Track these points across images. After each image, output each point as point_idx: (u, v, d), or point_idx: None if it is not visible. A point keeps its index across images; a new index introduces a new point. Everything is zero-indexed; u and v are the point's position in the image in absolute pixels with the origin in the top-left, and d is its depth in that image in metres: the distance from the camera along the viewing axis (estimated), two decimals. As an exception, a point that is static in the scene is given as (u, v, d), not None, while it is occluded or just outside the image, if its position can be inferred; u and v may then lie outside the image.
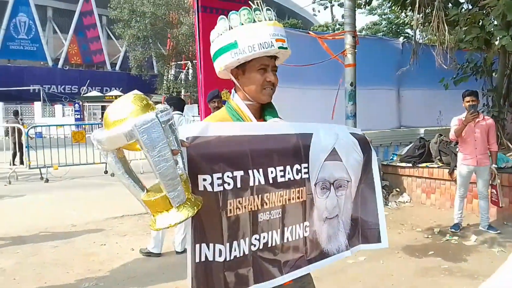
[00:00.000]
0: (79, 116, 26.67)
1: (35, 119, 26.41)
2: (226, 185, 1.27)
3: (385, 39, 9.49)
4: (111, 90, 32.54)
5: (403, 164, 6.45)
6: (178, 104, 4.92)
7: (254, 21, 1.44)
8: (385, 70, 7.86)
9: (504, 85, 6.72)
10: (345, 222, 1.63)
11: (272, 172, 1.37)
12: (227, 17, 1.47)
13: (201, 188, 1.24)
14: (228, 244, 1.30)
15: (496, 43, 4.62)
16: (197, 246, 1.27)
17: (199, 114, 9.10)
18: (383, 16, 27.93)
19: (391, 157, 7.13)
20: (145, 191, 1.17)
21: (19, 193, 7.66)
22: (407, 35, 23.96)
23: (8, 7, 33.28)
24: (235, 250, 1.31)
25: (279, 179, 1.38)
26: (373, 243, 1.72)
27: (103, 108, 30.67)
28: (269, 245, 1.39)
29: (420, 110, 8.31)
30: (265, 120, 1.54)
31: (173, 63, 31.87)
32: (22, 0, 33.75)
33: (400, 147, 7.54)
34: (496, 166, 4.89)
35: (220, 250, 1.29)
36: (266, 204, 1.37)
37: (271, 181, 1.36)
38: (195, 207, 1.15)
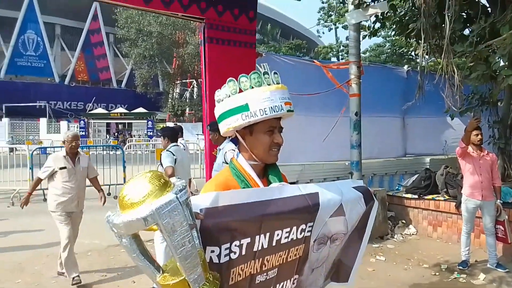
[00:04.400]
0: (84, 133, 26.79)
1: (40, 135, 26.58)
2: (232, 255, 1.26)
3: (389, 67, 9.53)
4: (116, 107, 32.83)
5: (409, 196, 6.39)
6: (172, 135, 4.80)
7: (263, 84, 1.47)
8: (390, 98, 7.88)
9: (510, 115, 6.69)
10: (327, 266, 1.69)
11: (278, 235, 1.36)
12: (236, 80, 1.49)
13: (207, 260, 1.21)
14: None
15: (503, 80, 4.62)
16: None
17: (203, 133, 9.18)
18: (387, 38, 28.23)
19: (397, 187, 7.07)
20: (161, 271, 1.12)
21: (21, 215, 7.61)
22: (411, 57, 24.13)
23: (17, 24, 33.92)
24: None
25: (283, 241, 1.38)
26: (342, 282, 1.79)
27: (108, 125, 30.88)
28: None
29: (425, 138, 8.28)
30: (268, 180, 1.54)
31: (178, 82, 32.24)
32: (31, 17, 34.45)
33: (405, 176, 7.49)
34: (501, 201, 4.83)
35: None
36: (265, 266, 1.37)
37: (274, 244, 1.36)
38: (214, 287, 1.12)
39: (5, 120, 25.51)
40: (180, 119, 30.09)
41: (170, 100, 31.55)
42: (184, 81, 32.37)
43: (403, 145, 8.32)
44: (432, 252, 5.47)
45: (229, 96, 1.48)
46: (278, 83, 1.49)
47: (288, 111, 1.48)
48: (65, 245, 4.37)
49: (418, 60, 8.04)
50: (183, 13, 5.09)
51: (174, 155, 4.48)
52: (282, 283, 1.46)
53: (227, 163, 4.67)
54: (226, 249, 1.24)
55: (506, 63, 4.46)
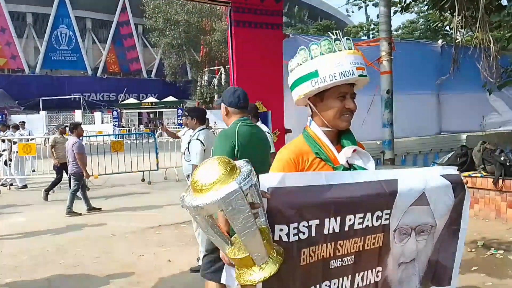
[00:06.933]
0: (117, 123, 27.54)
1: (76, 126, 27.50)
2: (301, 235, 1.27)
3: (422, 43, 9.20)
4: (147, 97, 33.48)
5: (444, 173, 6.21)
6: (201, 116, 4.36)
7: (334, 50, 1.45)
8: (424, 75, 7.62)
9: (553, 88, 6.36)
10: (421, 266, 1.58)
11: (350, 220, 1.34)
12: (308, 47, 1.49)
13: (276, 237, 1.25)
14: None
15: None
16: None
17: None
18: (420, 14, 27.16)
19: (431, 165, 6.88)
20: (230, 244, 1.23)
21: (61, 202, 7.97)
22: (447, 33, 23.13)
23: (50, 19, 34.98)
24: None
25: (356, 226, 1.35)
26: (443, 286, 1.64)
27: (140, 115, 31.58)
28: None
29: (461, 115, 7.98)
30: (342, 146, 1.52)
31: (206, 69, 32.42)
32: (63, 12, 35.44)
33: (440, 154, 7.29)
34: None
35: None
36: (339, 251, 1.36)
37: (347, 229, 1.34)
38: (277, 263, 1.19)
39: (43, 113, 26.54)
40: (209, 106, 30.37)
41: (198, 88, 31.87)
42: (212, 68, 32.54)
43: (438, 123, 8.05)
44: (468, 230, 5.26)
45: (300, 64, 1.49)
46: (350, 49, 1.47)
47: (360, 76, 1.45)
48: None
49: (453, 35, 7.73)
50: (210, -2, 5.09)
51: (204, 145, 3.95)
52: (362, 273, 1.43)
53: None
54: (294, 228, 1.26)
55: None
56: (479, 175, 5.78)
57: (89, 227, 6.15)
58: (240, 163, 1.18)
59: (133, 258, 4.78)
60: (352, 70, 1.43)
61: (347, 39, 1.47)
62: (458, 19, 5.20)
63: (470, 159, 6.01)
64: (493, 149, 5.76)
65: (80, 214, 6.92)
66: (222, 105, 2.73)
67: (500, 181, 5.34)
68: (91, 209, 7.15)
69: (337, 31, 1.50)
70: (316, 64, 1.44)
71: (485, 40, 4.25)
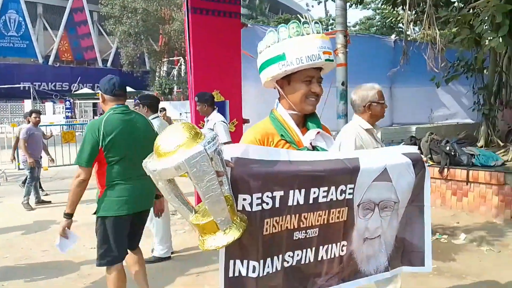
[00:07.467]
0: (70, 114, 26.41)
1: (25, 117, 26.12)
2: (264, 205, 1.29)
3: (377, 37, 9.51)
4: (103, 87, 32.20)
5: (394, 163, 6.46)
6: (153, 105, 4.40)
7: (303, 34, 1.45)
8: (377, 68, 7.86)
9: (495, 82, 6.76)
10: (388, 243, 1.62)
11: (314, 193, 1.36)
12: (277, 30, 1.49)
13: (239, 207, 1.26)
14: (262, 261, 1.32)
15: (487, 42, 4.63)
16: (231, 261, 1.29)
17: (190, 111, 9.10)
18: (377, 11, 27.90)
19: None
20: (193, 212, 1.22)
21: (8, 194, 7.58)
22: (401, 29, 23.98)
23: (-3, 3, 32.85)
24: (268, 267, 1.34)
25: (320, 200, 1.38)
26: (416, 266, 1.70)
27: (94, 105, 30.43)
28: (302, 262, 1.41)
29: (411, 107, 8.34)
30: (307, 129, 1.54)
31: (165, 59, 31.70)
32: (12, -4, 33.31)
33: (391, 144, 7.55)
34: None
35: (254, 267, 1.31)
36: (303, 223, 1.38)
37: (311, 201, 1.36)
38: (241, 229, 1.19)
39: (-11, 102, 25.00)
40: (168, 98, 29.78)
41: (157, 79, 31.11)
42: (171, 58, 31.85)
43: (390, 115, 8.37)
44: (416, 217, 5.57)
45: (269, 46, 1.49)
46: (318, 33, 1.47)
47: (326, 60, 1.45)
48: None
49: (404, 35, 8.03)
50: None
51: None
52: (326, 246, 1.45)
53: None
54: (257, 198, 1.27)
55: (489, 26, 4.48)
56: (427, 164, 6.07)
57: (38, 221, 5.88)
58: (204, 130, 1.18)
59: (84, 250, 4.63)
60: (319, 54, 1.44)
61: (315, 22, 1.48)
62: (409, 14, 5.39)
63: (418, 149, 6.29)
64: (440, 139, 6.07)
65: (32, 209, 6.60)
66: (100, 92, 2.83)
67: (446, 170, 5.64)
68: (40, 202, 6.85)
69: (306, 14, 1.50)
70: (283, 47, 1.45)
71: (432, 29, 4.46)
